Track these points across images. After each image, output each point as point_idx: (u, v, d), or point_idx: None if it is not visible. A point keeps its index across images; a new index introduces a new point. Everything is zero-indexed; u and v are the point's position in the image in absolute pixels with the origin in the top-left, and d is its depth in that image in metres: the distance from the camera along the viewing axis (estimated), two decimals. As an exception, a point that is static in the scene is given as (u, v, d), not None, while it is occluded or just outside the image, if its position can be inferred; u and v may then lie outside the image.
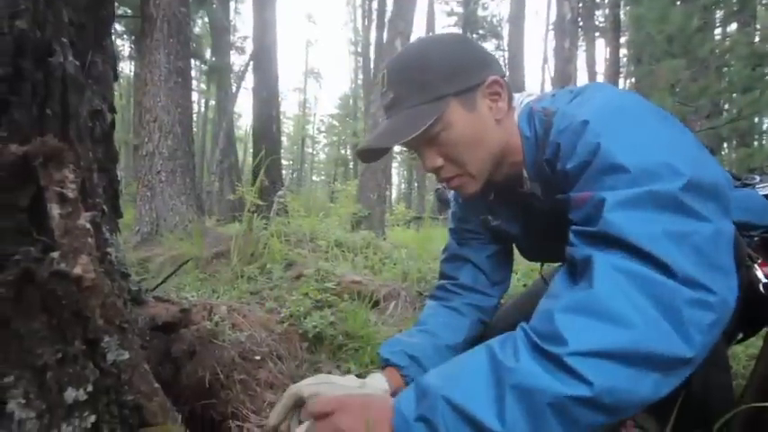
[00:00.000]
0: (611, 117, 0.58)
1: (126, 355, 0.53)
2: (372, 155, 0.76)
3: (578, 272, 0.52)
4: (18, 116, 0.44)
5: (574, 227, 0.56)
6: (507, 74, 0.74)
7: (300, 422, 0.64)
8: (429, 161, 0.71)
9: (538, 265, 1.02)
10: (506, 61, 12.35)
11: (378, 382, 0.72)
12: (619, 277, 0.47)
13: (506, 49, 14.93)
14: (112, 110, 0.73)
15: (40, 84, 0.46)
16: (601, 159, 0.54)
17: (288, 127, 30.66)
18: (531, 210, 0.80)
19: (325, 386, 0.63)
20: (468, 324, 0.89)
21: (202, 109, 21.56)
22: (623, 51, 11.18)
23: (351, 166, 23.68)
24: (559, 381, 0.44)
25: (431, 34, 0.78)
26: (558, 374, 0.44)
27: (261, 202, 2.10)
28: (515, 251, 0.98)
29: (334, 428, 0.52)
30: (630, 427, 0.72)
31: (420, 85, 0.67)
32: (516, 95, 0.76)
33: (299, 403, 0.65)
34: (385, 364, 0.78)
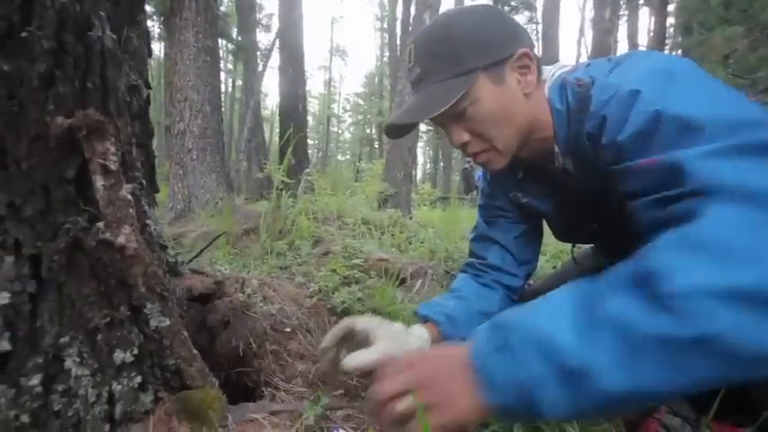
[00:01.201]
0: (663, 83, 0.54)
1: (167, 322, 0.56)
2: (400, 131, 0.75)
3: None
4: (63, 90, 0.45)
5: (647, 198, 0.51)
6: (541, 49, 0.70)
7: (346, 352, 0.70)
8: (456, 136, 0.71)
9: (567, 246, 0.99)
10: (540, 35, 11.69)
11: (419, 332, 0.76)
12: (732, 216, 0.40)
13: (540, 21, 14.14)
14: (147, 85, 0.74)
15: (81, 58, 0.47)
16: (665, 125, 0.50)
17: (313, 106, 30.67)
18: (562, 186, 0.77)
19: (375, 324, 0.68)
20: (499, 297, 0.90)
21: (229, 89, 21.82)
22: (670, 20, 10.33)
23: (376, 146, 23.57)
24: (662, 319, 0.37)
25: (460, 6, 0.75)
26: (661, 313, 0.37)
27: (288, 180, 2.13)
28: (546, 232, 0.96)
29: (412, 383, 0.46)
30: (664, 412, 0.70)
31: (448, 58, 0.66)
32: (548, 68, 0.73)
33: (348, 336, 0.70)
34: (423, 321, 0.81)
